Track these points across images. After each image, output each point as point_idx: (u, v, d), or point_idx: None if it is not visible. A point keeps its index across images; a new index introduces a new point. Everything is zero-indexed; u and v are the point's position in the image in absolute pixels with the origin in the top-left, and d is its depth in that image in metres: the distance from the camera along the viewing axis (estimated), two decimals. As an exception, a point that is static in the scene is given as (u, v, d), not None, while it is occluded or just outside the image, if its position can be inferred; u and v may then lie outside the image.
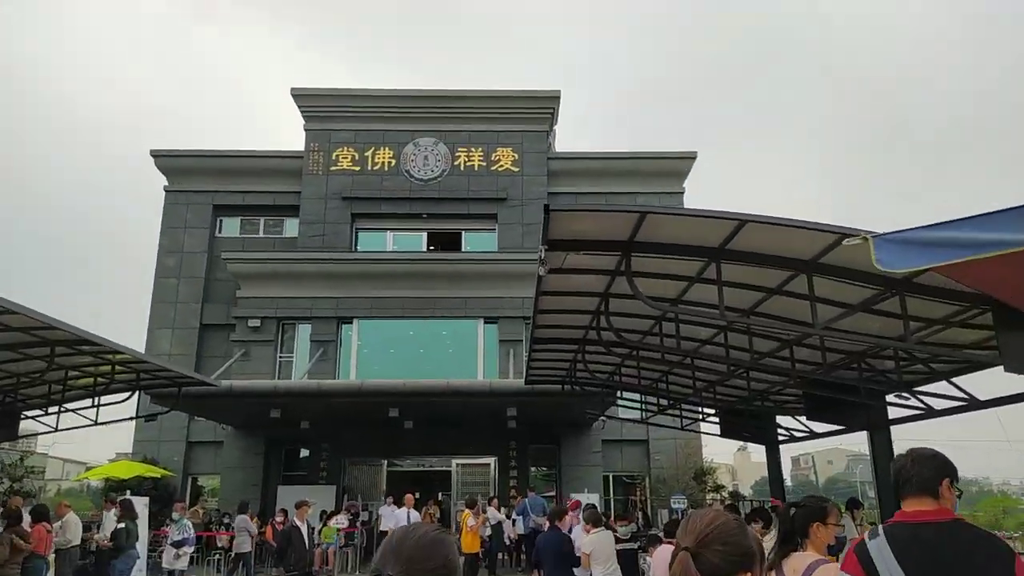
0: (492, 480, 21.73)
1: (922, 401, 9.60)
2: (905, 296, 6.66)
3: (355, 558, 17.25)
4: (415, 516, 14.53)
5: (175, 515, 12.38)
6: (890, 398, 10.22)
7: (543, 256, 6.68)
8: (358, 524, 18.35)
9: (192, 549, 12.78)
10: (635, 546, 11.17)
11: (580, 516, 9.81)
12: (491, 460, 21.80)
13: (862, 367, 9.47)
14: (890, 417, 10.45)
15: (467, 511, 14.22)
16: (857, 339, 7.85)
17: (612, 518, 14.98)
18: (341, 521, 16.59)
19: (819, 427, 12.90)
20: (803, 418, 13.19)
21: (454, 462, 22.14)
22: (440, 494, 22.94)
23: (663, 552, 7.20)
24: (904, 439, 33.07)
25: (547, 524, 9.51)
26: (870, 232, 3.96)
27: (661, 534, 8.46)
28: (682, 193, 24.63)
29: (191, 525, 12.64)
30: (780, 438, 14.37)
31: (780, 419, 14.35)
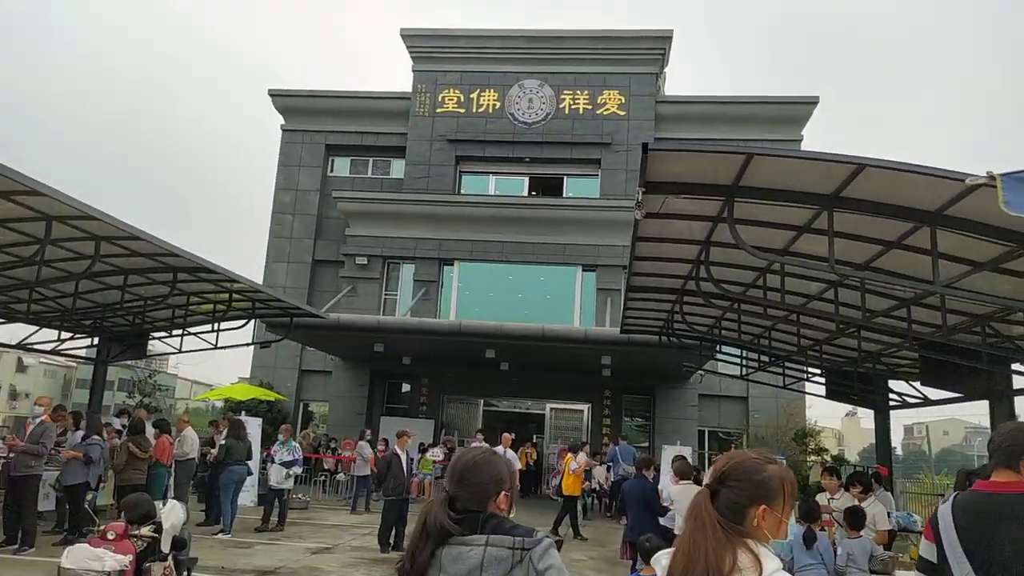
0: (585, 426, 21.89)
1: (1055, 372, 8.82)
2: (1043, 255, 6.05)
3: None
4: (511, 455, 14.80)
5: (280, 437, 12.74)
6: (1016, 366, 9.45)
7: (640, 199, 6.45)
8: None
9: (300, 470, 13.09)
10: None
11: (670, 466, 9.71)
12: (585, 407, 21.93)
13: (986, 331, 8.76)
14: (1015, 387, 9.70)
15: (570, 455, 14.37)
16: (983, 300, 7.23)
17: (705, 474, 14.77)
18: (437, 454, 17.22)
19: (935, 394, 12.14)
20: (917, 383, 12.43)
21: (548, 406, 22.41)
22: (535, 436, 23.37)
23: (687, 489, 7.07)
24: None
25: (634, 472, 9.50)
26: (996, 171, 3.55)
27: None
28: (799, 141, 23.25)
29: (299, 447, 12.98)
30: (891, 403, 13.64)
31: (892, 383, 13.60)
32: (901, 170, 5.46)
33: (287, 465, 12.27)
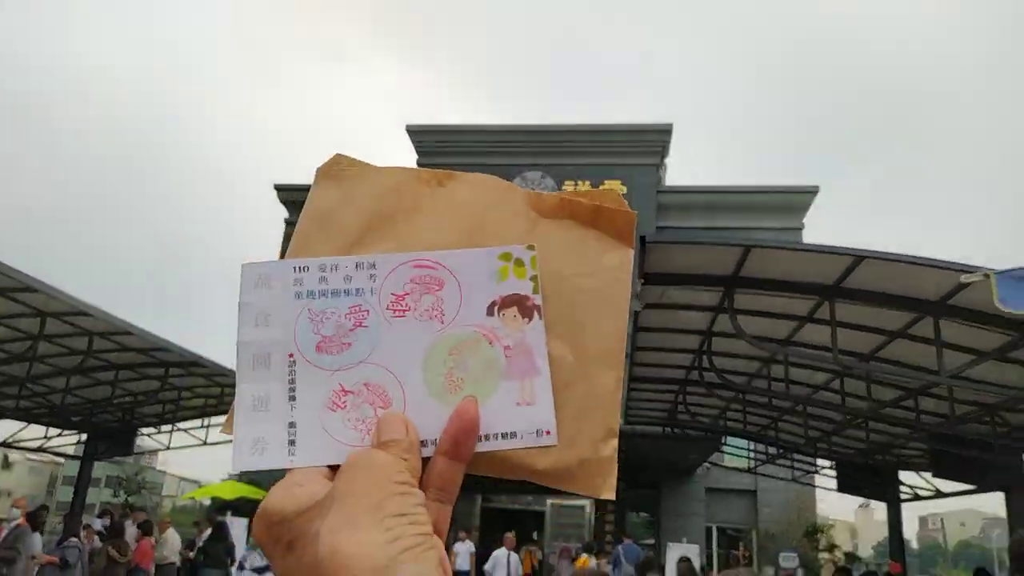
0: (587, 523, 21.11)
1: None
2: (1050, 344, 5.93)
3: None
4: (515, 560, 14.20)
5: (251, 539, 11.36)
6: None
7: (639, 290, 6.40)
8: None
9: None
10: None
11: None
12: (587, 502, 21.19)
13: (995, 421, 8.53)
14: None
15: (585, 556, 13.94)
16: (989, 390, 7.06)
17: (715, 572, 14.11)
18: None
19: (947, 486, 11.76)
20: (929, 475, 12.06)
21: (548, 502, 21.68)
22: (534, 534, 22.51)
23: None
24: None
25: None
26: (992, 269, 3.49)
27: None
28: (800, 229, 23.49)
29: None
30: (903, 496, 13.20)
31: (904, 475, 13.20)
32: (899, 261, 5.43)
33: (260, 572, 11.03)
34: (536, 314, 0.53)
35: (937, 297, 5.90)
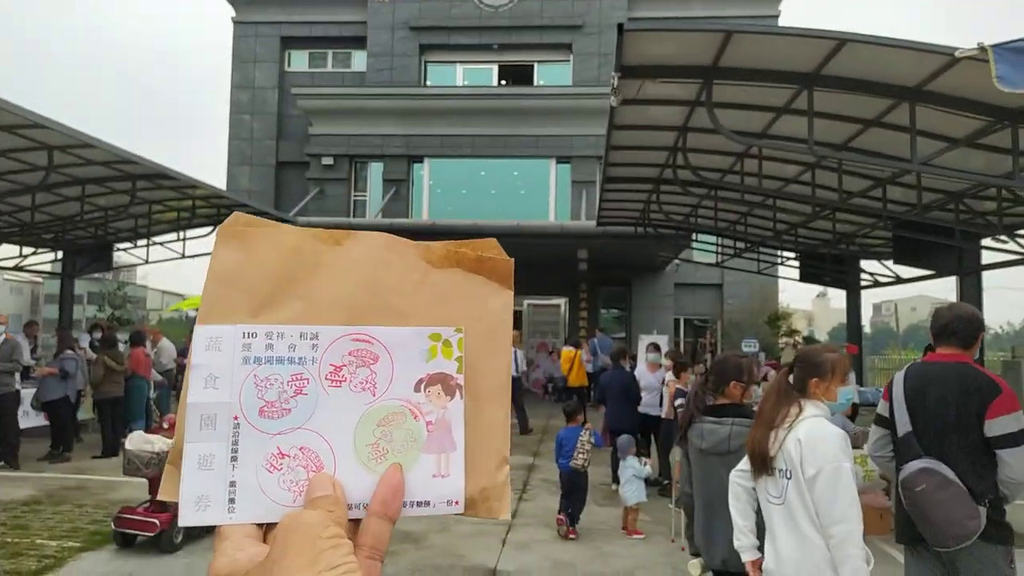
0: (563, 320, 22.15)
1: (1022, 245, 8.94)
2: (1020, 128, 5.96)
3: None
4: (520, 355, 15.01)
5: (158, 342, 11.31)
6: (986, 242, 9.58)
7: (616, 84, 6.19)
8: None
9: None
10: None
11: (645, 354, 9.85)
12: (562, 301, 22.10)
13: (959, 208, 8.80)
14: (983, 262, 9.87)
15: (570, 348, 14.91)
16: (958, 176, 7.19)
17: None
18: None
19: (906, 272, 12.36)
20: (889, 263, 12.63)
21: (525, 302, 22.54)
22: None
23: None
24: (993, 286, 31.68)
25: (611, 363, 9.64)
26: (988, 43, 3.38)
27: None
28: (777, 16, 22.51)
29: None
30: (863, 283, 13.89)
31: (865, 264, 13.81)
32: (884, 44, 5.27)
33: None
34: (458, 393, 0.58)
35: (916, 83, 5.81)
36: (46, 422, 10.35)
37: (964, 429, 2.97)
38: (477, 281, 0.61)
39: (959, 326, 3.15)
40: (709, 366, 3.89)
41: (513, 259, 0.63)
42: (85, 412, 11.18)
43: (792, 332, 21.23)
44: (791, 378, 2.76)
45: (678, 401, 8.05)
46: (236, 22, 24.01)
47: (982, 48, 3.32)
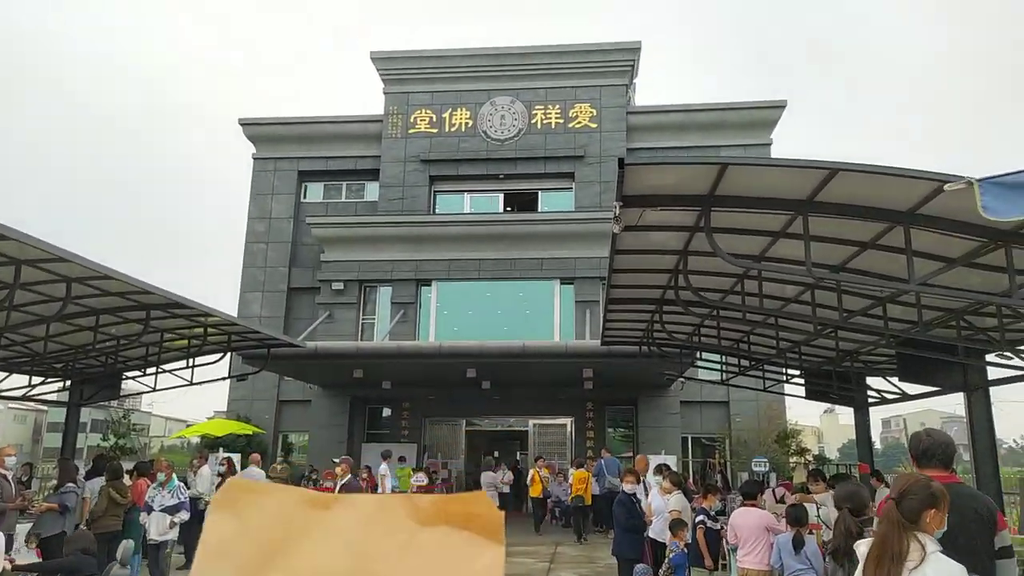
0: (569, 440, 21.82)
1: (1028, 361, 8.98)
2: (1012, 248, 6.16)
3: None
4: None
5: (160, 476, 9.92)
6: (990, 358, 9.62)
7: (618, 213, 6.46)
8: (439, 482, 18.81)
9: (187, 515, 10.01)
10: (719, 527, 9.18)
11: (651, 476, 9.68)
12: (568, 420, 21.88)
13: (960, 325, 8.91)
14: (990, 378, 9.85)
15: (581, 469, 15.73)
16: (956, 295, 7.35)
17: (691, 482, 14.88)
18: (421, 479, 17.01)
19: (912, 389, 12.30)
20: (895, 379, 12.60)
21: (531, 422, 22.33)
22: (518, 453, 23.24)
23: (743, 513, 7.04)
24: (1004, 400, 31.38)
25: (622, 486, 9.44)
26: (974, 177, 3.62)
27: (740, 496, 8.27)
28: (769, 145, 23.60)
29: (183, 487, 10.15)
30: (870, 400, 13.79)
31: (870, 380, 13.77)
32: (874, 172, 5.55)
33: (171, 511, 9.65)
34: None
35: (908, 207, 6.06)
36: (38, 558, 10.04)
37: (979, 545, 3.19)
38: (465, 538, 0.60)
39: (938, 451, 3.45)
40: (837, 497, 4.45)
41: (503, 512, 0.62)
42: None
43: (802, 451, 20.83)
44: (901, 509, 2.72)
45: (699, 518, 7.88)
46: (256, 158, 25.23)
47: (969, 183, 3.55)
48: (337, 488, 10.07)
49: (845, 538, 4.01)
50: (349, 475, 9.98)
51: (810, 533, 6.76)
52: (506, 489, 16.09)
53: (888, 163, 5.81)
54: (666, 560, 7.24)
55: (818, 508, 8.20)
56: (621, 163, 5.79)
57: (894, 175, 5.47)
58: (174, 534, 9.76)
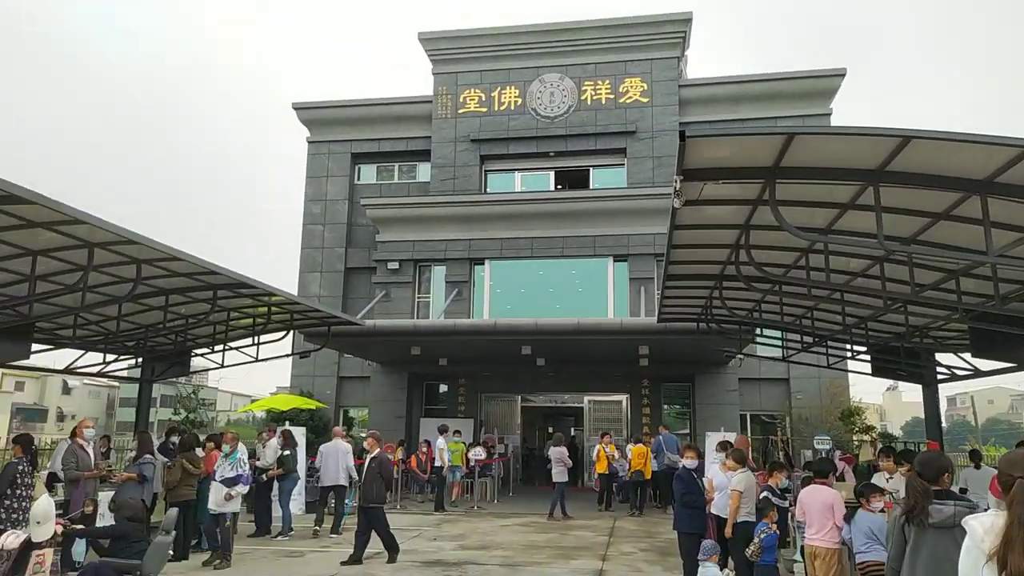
0: (624, 416, 21.78)
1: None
2: (1101, 216, 5.87)
3: (492, 488, 17.95)
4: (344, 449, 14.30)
5: (225, 447, 10.27)
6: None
7: (678, 187, 6.36)
8: (496, 456, 19.03)
9: (246, 488, 10.50)
10: (787, 504, 8.98)
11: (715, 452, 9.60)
12: (623, 397, 21.82)
13: (1040, 299, 8.52)
14: (1072, 353, 9.43)
15: (640, 445, 16.03)
16: (1038, 267, 7.03)
17: (751, 459, 14.69)
18: (479, 453, 17.23)
19: (985, 365, 11.86)
20: (967, 355, 12.16)
21: (586, 399, 22.34)
22: (572, 429, 23.32)
23: (815, 491, 6.94)
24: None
25: (681, 461, 9.39)
26: None
27: (811, 474, 8.14)
28: (829, 115, 22.82)
29: (246, 459, 10.51)
30: (940, 377, 13.36)
31: (940, 356, 13.32)
32: (949, 139, 5.33)
33: (229, 483, 10.02)
34: None
35: (984, 175, 5.81)
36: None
37: None
38: None
39: None
40: (915, 462, 4.43)
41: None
42: (158, 515, 11.37)
43: (868, 428, 20.34)
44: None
45: (764, 494, 7.80)
46: (311, 142, 25.66)
47: None
48: (367, 462, 10.28)
49: (921, 497, 4.06)
50: (378, 448, 10.18)
51: (882, 511, 6.62)
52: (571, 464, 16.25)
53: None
54: (756, 540, 7.19)
55: (888, 480, 8.03)
56: (683, 136, 5.67)
57: (971, 142, 5.25)
58: (233, 506, 10.14)
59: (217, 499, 9.99)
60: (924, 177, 6.06)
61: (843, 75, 22.74)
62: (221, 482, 10.05)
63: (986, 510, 3.00)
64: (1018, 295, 8.49)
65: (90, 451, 10.25)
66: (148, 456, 10.85)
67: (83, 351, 14.30)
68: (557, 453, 15.67)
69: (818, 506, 6.73)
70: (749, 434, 21.67)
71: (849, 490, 7.86)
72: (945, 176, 6.02)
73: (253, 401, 31.13)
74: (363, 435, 22.64)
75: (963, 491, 11.30)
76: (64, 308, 10.67)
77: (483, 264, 22.68)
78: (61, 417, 64.06)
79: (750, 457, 13.23)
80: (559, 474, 15.29)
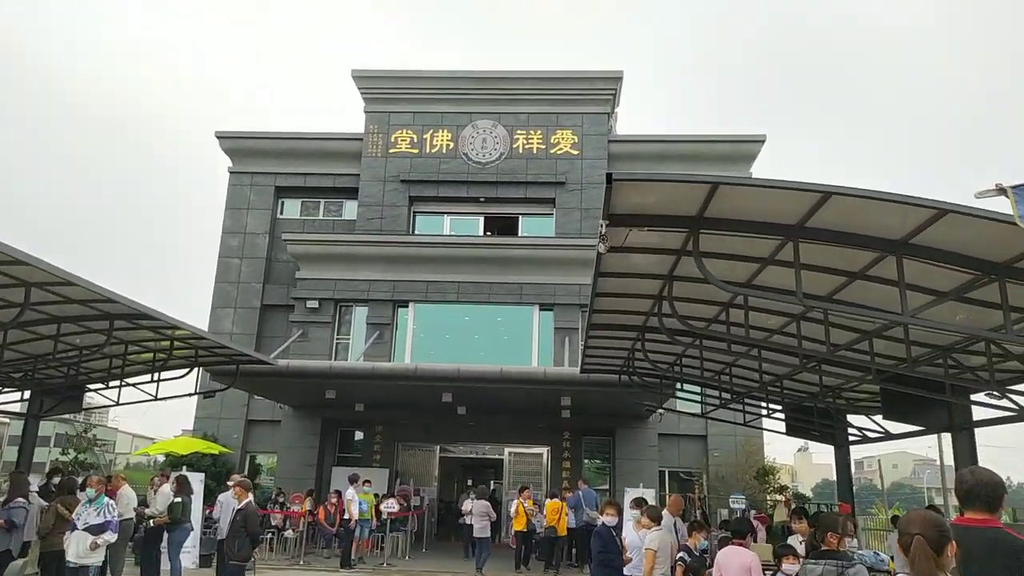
0: (545, 470, 21.41)
1: (1015, 402, 8.82)
2: (1006, 282, 6.01)
3: (405, 543, 17.16)
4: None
5: (89, 491, 9.06)
6: (975, 397, 9.46)
7: (604, 231, 6.23)
8: (411, 509, 18.28)
9: (113, 537, 9.26)
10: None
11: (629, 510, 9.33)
12: (544, 450, 21.48)
13: (948, 363, 8.75)
14: (975, 418, 9.69)
15: (555, 500, 15.44)
16: (948, 331, 7.19)
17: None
18: (392, 505, 16.49)
19: (895, 428, 12.14)
20: (877, 417, 12.44)
21: (506, 450, 21.89)
22: (491, 482, 22.75)
23: (732, 552, 6.75)
24: (987, 444, 31.40)
25: (600, 518, 9.07)
26: (1006, 183, 3.41)
27: (728, 535, 7.95)
28: (749, 178, 23.66)
29: (113, 505, 9.37)
30: (851, 438, 13.61)
31: (851, 418, 13.59)
32: (870, 198, 5.37)
33: (95, 531, 8.86)
34: None
35: (901, 235, 5.90)
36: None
37: None
38: None
39: (983, 490, 3.23)
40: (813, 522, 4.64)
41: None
42: (31, 566, 10.26)
43: (782, 488, 20.58)
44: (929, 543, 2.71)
45: (680, 555, 7.54)
46: (232, 172, 24.85)
47: (1001, 189, 3.34)
48: (233, 512, 9.40)
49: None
50: (248, 499, 9.28)
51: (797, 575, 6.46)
52: (494, 517, 15.68)
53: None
54: None
55: (801, 543, 7.92)
56: (609, 178, 5.56)
57: (890, 201, 5.30)
58: (98, 557, 9.02)
59: (79, 549, 8.79)
60: (842, 235, 6.12)
61: (763, 141, 23.70)
62: (85, 530, 8.86)
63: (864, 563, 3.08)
64: (928, 358, 8.68)
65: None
66: (20, 500, 9.81)
67: (-41, 381, 13.09)
68: (481, 507, 15.13)
69: (735, 568, 6.52)
70: (666, 490, 21.63)
71: (766, 552, 7.71)
72: (863, 235, 6.09)
73: (153, 443, 29.29)
74: (269, 485, 21.56)
75: (892, 558, 11.42)
76: (-64, 332, 9.71)
77: (407, 307, 22.20)
78: (-61, 455, 58.92)
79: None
80: (481, 529, 14.73)
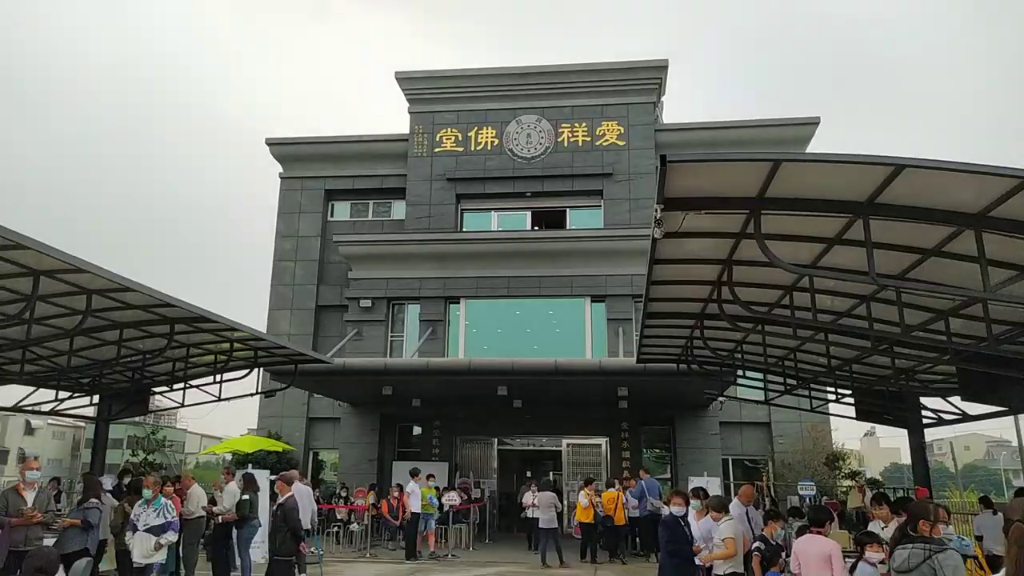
0: (604, 461, 21.21)
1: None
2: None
3: (468, 535, 17.20)
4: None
5: (146, 492, 9.23)
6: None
7: (659, 216, 6.01)
8: (472, 502, 18.32)
9: (175, 536, 9.44)
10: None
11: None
12: (603, 440, 21.28)
13: (1031, 340, 8.24)
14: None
15: (613, 490, 15.31)
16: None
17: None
18: (453, 498, 16.53)
19: (972, 409, 11.58)
20: (953, 399, 11.87)
21: (564, 442, 21.76)
22: (551, 473, 22.65)
23: (811, 541, 6.52)
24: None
25: (665, 508, 8.87)
26: None
27: (805, 523, 7.65)
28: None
29: (172, 505, 9.49)
30: (926, 421, 13.04)
31: (925, 400, 13.02)
32: (945, 169, 5.04)
33: (157, 531, 8.99)
34: None
35: (979, 208, 5.53)
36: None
37: None
38: None
39: None
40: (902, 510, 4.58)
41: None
42: (108, 563, 10.60)
43: (855, 474, 19.93)
44: None
45: (756, 544, 7.32)
46: (283, 177, 25.28)
47: None
48: (275, 505, 9.37)
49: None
50: (288, 493, 9.25)
51: (882, 562, 6.17)
52: (560, 508, 15.63)
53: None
54: None
55: (882, 530, 7.60)
56: (664, 160, 5.34)
57: (969, 171, 4.96)
58: (161, 556, 9.19)
59: (144, 550, 8.98)
60: (916, 210, 5.77)
61: (817, 123, 22.92)
62: (147, 531, 9.05)
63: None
64: (1009, 335, 8.20)
65: (28, 495, 9.49)
66: (94, 500, 10.08)
67: (33, 388, 13.59)
68: (547, 498, 15.02)
69: (815, 557, 6.27)
70: (731, 479, 21.19)
71: (841, 539, 7.41)
72: (938, 209, 5.74)
73: (220, 442, 30.10)
74: (333, 480, 21.90)
75: (979, 538, 10.96)
76: (9, 341, 10.05)
77: (458, 303, 22.24)
78: (23, 459, 61.78)
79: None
80: (548, 520, 14.63)
